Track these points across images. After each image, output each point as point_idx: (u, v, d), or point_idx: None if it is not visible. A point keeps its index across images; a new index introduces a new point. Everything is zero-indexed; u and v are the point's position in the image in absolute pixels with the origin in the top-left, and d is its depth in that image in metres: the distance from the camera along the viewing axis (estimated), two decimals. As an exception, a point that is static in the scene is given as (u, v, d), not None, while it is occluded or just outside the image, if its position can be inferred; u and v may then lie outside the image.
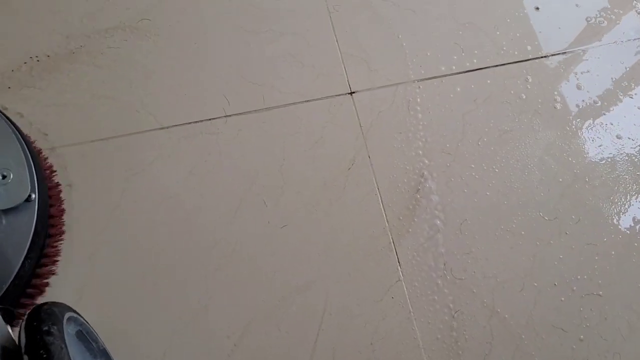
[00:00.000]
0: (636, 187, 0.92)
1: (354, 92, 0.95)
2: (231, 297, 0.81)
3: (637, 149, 0.94)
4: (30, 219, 0.74)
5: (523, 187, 0.91)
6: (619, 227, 0.89)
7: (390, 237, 0.87)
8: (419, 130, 0.93)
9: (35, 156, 0.80)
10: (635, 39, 1.02)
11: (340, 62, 0.97)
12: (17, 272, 0.71)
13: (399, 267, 0.85)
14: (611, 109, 0.97)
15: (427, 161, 0.92)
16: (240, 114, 0.92)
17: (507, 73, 0.98)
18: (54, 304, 0.64)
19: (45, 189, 0.80)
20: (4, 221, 0.73)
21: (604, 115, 0.96)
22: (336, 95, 0.94)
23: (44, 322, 0.59)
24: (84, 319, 0.72)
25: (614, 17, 1.04)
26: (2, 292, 0.68)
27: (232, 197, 0.87)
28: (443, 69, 0.98)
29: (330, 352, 0.79)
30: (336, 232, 0.86)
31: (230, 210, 0.86)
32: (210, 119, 0.91)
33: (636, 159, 0.94)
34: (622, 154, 0.94)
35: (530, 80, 0.98)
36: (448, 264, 0.86)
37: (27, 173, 0.75)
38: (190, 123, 0.91)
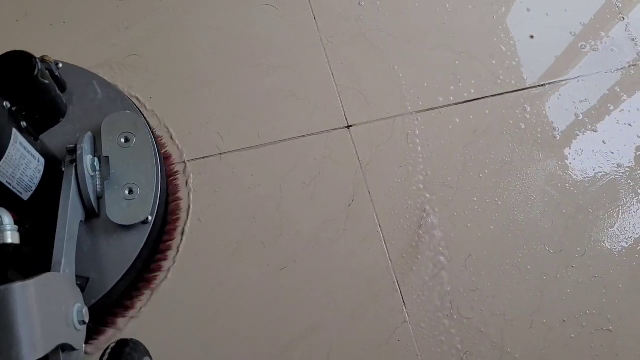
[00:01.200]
0: (640, 217, 0.90)
1: (351, 126, 0.93)
2: (230, 345, 0.77)
3: (639, 177, 0.93)
4: (139, 241, 0.72)
5: (527, 219, 0.89)
6: (625, 258, 0.88)
7: (394, 276, 0.84)
8: (419, 163, 0.91)
9: (165, 177, 0.79)
10: (631, 66, 1.01)
11: (336, 95, 0.94)
12: (109, 291, 0.69)
13: (404, 308, 0.82)
14: (611, 137, 0.96)
15: (428, 195, 0.89)
16: (235, 151, 0.89)
17: (505, 103, 0.97)
18: (135, 346, 0.59)
19: (165, 214, 0.78)
20: (115, 235, 0.72)
21: (604, 144, 0.95)
22: (333, 130, 0.92)
23: None
24: None
25: (608, 43, 1.03)
26: (90, 305, 0.66)
27: (228, 239, 0.83)
28: (441, 99, 0.96)
29: (336, 401, 0.76)
30: (338, 273, 0.83)
31: (227, 253, 0.83)
32: (203, 157, 0.88)
33: (638, 187, 0.92)
34: (624, 182, 0.93)
35: (528, 110, 0.97)
36: (454, 302, 0.83)
37: (153, 195, 0.73)
38: (182, 162, 0.88)
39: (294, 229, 0.85)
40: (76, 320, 0.56)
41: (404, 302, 0.82)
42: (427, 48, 1.00)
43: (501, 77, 0.99)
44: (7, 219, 0.58)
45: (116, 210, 0.72)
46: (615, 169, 0.94)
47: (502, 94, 0.97)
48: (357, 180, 0.89)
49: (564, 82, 0.99)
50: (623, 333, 0.83)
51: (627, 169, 0.94)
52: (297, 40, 0.98)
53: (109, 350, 0.55)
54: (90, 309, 0.61)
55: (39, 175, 0.65)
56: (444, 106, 0.96)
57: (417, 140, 0.93)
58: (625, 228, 0.89)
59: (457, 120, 0.95)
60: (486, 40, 1.01)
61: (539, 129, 0.95)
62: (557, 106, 0.97)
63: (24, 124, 0.62)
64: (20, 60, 0.62)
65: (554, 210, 0.90)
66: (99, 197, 0.73)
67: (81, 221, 0.70)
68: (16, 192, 0.62)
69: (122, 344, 0.56)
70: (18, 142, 0.60)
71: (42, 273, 0.52)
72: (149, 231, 0.73)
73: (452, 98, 0.96)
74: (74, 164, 0.69)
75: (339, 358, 0.78)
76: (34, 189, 0.64)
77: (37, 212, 0.66)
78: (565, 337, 0.82)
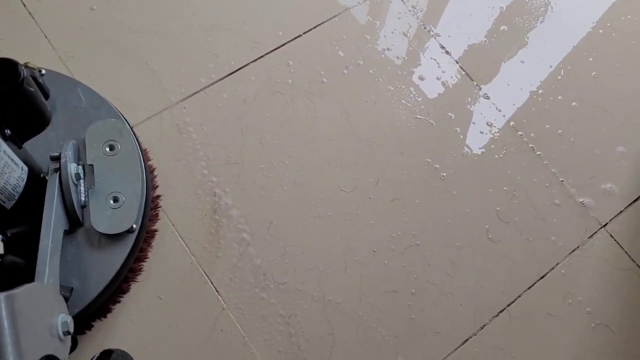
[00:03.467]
0: (422, 134, 0.94)
1: (116, 136, 0.88)
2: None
3: (412, 99, 0.97)
4: (124, 250, 0.72)
5: (316, 170, 0.90)
6: (414, 174, 0.91)
7: (201, 269, 0.82)
8: (197, 150, 0.89)
9: (149, 186, 0.78)
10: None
11: (92, 109, 0.89)
12: (93, 300, 0.69)
13: (219, 297, 0.81)
14: (375, 67, 0.98)
15: (215, 179, 0.88)
16: None
17: (267, 65, 0.96)
18: (121, 356, 0.56)
19: (146, 222, 0.77)
20: (99, 244, 0.72)
21: (370, 74, 0.98)
22: (98, 146, 0.87)
23: None
24: None
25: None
26: (73, 314, 0.65)
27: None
28: (203, 80, 0.94)
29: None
30: (147, 288, 0.80)
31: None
32: None
33: (417, 114, 0.96)
34: (395, 104, 0.96)
35: (291, 64, 0.97)
36: (267, 273, 0.83)
37: (138, 203, 0.73)
38: None
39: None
40: (60, 330, 0.55)
41: (217, 291, 0.81)
42: (175, 34, 0.97)
43: (257, 41, 0.98)
44: None
45: (101, 219, 0.72)
46: (385, 94, 0.97)
47: (262, 56, 0.97)
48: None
49: (317, 28, 1.01)
50: (429, 243, 0.87)
51: (392, 92, 0.97)
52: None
53: None
54: (74, 319, 0.59)
55: (22, 184, 0.64)
56: (207, 86, 0.94)
57: (190, 128, 0.90)
58: (406, 147, 0.93)
59: (225, 95, 0.93)
60: (233, 8, 1.00)
61: (307, 79, 0.96)
62: (317, 52, 0.99)
63: (7, 131, 0.61)
64: (5, 68, 0.60)
65: (340, 152, 0.92)
66: (83, 206, 0.73)
67: (65, 230, 0.69)
68: None
69: (107, 353, 0.54)
70: (2, 151, 0.59)
71: (26, 283, 0.51)
72: (134, 239, 0.73)
73: (213, 76, 0.94)
74: (58, 172, 0.69)
75: (168, 370, 0.76)
76: (17, 197, 0.63)
77: (19, 221, 0.66)
78: (379, 266, 0.85)
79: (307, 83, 0.96)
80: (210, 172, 0.88)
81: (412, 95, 0.97)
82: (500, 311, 0.84)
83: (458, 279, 0.85)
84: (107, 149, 0.76)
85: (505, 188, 0.91)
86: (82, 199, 0.73)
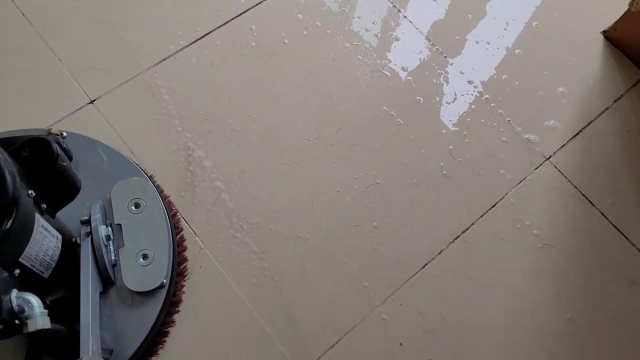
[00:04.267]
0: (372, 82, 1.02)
1: (94, 100, 0.95)
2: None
3: (362, 50, 1.05)
4: (156, 305, 0.74)
5: (282, 122, 0.97)
6: (373, 121, 0.99)
7: (179, 215, 0.89)
8: (170, 110, 0.96)
9: (175, 241, 0.80)
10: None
11: (70, 78, 0.96)
12: (130, 358, 0.71)
13: (196, 238, 0.88)
14: (331, 26, 1.06)
15: (188, 134, 0.95)
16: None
17: (231, 30, 1.04)
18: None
19: (175, 276, 0.79)
20: (132, 301, 0.73)
21: (328, 34, 1.05)
22: (77, 110, 0.94)
23: None
24: None
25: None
26: None
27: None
28: (172, 47, 1.01)
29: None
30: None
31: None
32: None
33: (366, 69, 1.04)
34: (354, 60, 1.04)
35: (254, 28, 1.04)
36: (241, 215, 0.90)
37: (167, 259, 0.75)
38: None
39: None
40: None
41: (195, 233, 0.88)
42: (145, 5, 1.04)
43: (221, 9, 1.05)
44: (36, 303, 0.58)
45: (132, 277, 0.74)
46: (343, 51, 1.04)
47: (226, 22, 1.04)
48: (118, 146, 0.92)
49: (277, -6, 1.08)
50: (388, 182, 0.95)
51: (350, 49, 1.05)
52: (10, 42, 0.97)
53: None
54: None
55: (57, 252, 0.66)
56: (177, 52, 1.01)
57: (163, 90, 0.97)
58: (364, 98, 1.01)
59: (194, 59, 1.00)
60: (198, -20, 1.07)
61: (269, 41, 1.04)
62: (278, 16, 1.06)
63: (44, 205, 0.63)
64: (40, 146, 0.62)
65: (303, 105, 0.99)
66: (114, 265, 0.75)
67: (100, 292, 0.71)
68: (38, 272, 0.62)
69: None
70: (40, 226, 0.60)
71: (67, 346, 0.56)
72: (164, 294, 0.75)
73: (182, 42, 1.02)
74: (90, 236, 0.71)
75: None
76: (53, 266, 0.65)
77: (55, 287, 0.67)
78: (343, 205, 0.92)
79: (269, 45, 1.03)
80: (184, 129, 0.95)
81: (367, 51, 1.05)
82: (456, 238, 0.92)
83: (416, 212, 0.93)
84: (133, 207, 0.78)
85: (457, 129, 0.99)
86: (113, 258, 0.75)
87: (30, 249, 0.60)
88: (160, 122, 0.95)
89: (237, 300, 0.85)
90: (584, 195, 0.96)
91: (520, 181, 0.97)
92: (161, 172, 0.91)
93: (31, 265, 0.61)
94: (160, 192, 0.86)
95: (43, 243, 0.62)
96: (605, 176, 0.98)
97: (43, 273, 0.64)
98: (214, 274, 0.86)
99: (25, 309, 0.57)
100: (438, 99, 1.02)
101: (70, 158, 0.68)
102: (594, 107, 1.03)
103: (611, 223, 0.94)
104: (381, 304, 0.87)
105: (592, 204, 0.95)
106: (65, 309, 0.67)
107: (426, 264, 0.90)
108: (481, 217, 0.94)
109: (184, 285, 0.84)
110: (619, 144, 1.00)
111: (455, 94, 1.02)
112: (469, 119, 1.00)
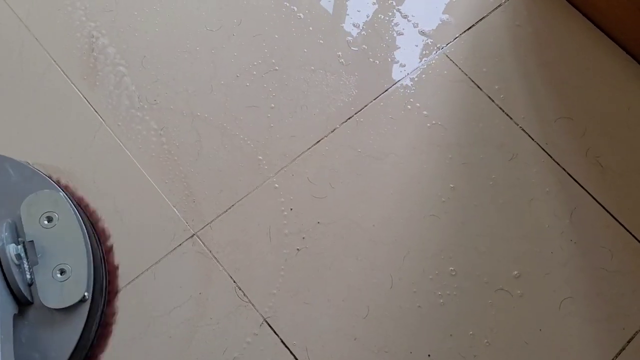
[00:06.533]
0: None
1: (-1, -9, 0.98)
2: None
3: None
4: (80, 321, 0.71)
5: (185, 14, 1.01)
6: (274, 14, 1.03)
7: (80, 94, 0.93)
8: (75, 1, 0.99)
9: (99, 248, 0.77)
10: None
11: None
12: None
13: (97, 115, 0.92)
14: None
15: (93, 24, 0.98)
16: None
17: None
18: None
19: (103, 288, 0.77)
20: (53, 320, 0.70)
21: None
22: (-18, -1, 0.97)
23: None
24: None
25: None
26: None
27: None
28: (79, -55, 1.04)
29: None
30: (32, 116, 0.90)
31: None
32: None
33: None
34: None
35: None
36: (142, 96, 0.94)
37: (86, 271, 0.72)
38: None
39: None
40: None
41: (95, 111, 0.92)
42: None
43: None
44: None
45: (50, 295, 0.71)
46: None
47: None
48: (22, 34, 0.95)
49: None
50: (286, 68, 0.99)
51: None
52: None
53: None
54: None
55: None
56: (84, -51, 1.04)
57: (68, -16, 1.01)
58: (268, -8, 1.05)
59: (101, -44, 1.04)
60: None
61: (176, -58, 1.07)
62: None
63: None
64: None
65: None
66: (30, 284, 0.72)
67: (15, 314, 0.68)
68: None
69: None
70: None
71: None
72: (88, 308, 0.72)
73: (89, -60, 1.05)
74: None
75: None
76: None
77: None
78: (242, 87, 0.97)
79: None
80: (88, 19, 0.99)
81: (272, -48, 1.09)
82: (349, 118, 0.97)
83: (312, 95, 0.98)
84: (46, 222, 0.74)
85: (355, 22, 1.04)
86: (28, 277, 0.71)
87: None
88: (66, 12, 0.98)
89: (134, 168, 0.89)
90: (472, 81, 1.02)
91: (414, 69, 1.02)
92: (63, 58, 0.95)
93: None
94: (80, 200, 0.85)
95: None
96: (494, 65, 1.04)
97: None
98: (113, 148, 0.90)
99: None
100: (338, -5, 1.07)
101: None
102: (488, 3, 1.09)
103: (497, 105, 1.00)
104: (274, 175, 0.92)
105: (480, 88, 1.01)
106: None
107: (319, 141, 0.95)
108: (374, 99, 0.99)
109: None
110: (509, 37, 1.06)
111: (355, -9, 1.07)
112: (367, 14, 1.05)
